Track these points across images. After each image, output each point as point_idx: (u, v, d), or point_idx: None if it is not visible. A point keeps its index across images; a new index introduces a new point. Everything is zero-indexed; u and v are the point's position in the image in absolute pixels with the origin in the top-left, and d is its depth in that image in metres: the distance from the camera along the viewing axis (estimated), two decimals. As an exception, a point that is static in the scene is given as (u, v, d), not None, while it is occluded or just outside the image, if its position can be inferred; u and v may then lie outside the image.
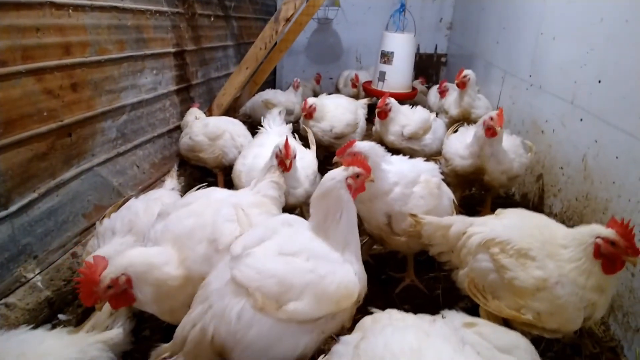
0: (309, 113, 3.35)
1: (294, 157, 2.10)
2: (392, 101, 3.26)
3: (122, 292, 1.36)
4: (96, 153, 2.26)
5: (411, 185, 1.89)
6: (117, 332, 1.46)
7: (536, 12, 3.14)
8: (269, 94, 4.40)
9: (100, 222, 1.89)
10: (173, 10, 3.10)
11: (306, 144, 2.68)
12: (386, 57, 4.76)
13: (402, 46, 4.70)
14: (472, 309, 1.65)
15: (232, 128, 3.09)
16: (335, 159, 1.87)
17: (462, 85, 3.49)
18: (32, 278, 1.81)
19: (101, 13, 2.26)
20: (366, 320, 1.28)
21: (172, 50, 3.09)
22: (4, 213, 1.67)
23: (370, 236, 2.20)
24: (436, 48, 6.39)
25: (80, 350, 1.33)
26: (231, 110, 4.01)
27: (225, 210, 1.54)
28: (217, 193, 1.74)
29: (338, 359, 1.12)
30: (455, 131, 2.88)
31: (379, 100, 3.26)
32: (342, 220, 1.36)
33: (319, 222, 1.38)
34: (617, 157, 2.01)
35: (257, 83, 4.31)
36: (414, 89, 5.02)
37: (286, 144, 2.04)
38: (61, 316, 1.88)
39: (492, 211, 1.85)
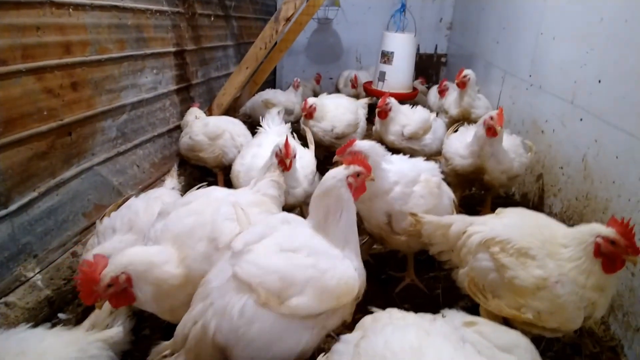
0: (309, 113, 3.35)
1: (294, 157, 2.10)
2: (392, 101, 3.26)
3: (122, 290, 1.36)
4: (96, 152, 2.26)
5: (411, 184, 1.89)
6: (117, 331, 1.46)
7: (536, 12, 3.14)
8: (269, 93, 4.40)
9: (100, 221, 1.89)
10: (173, 9, 3.10)
11: (305, 144, 2.68)
12: (386, 57, 4.76)
13: (402, 46, 4.70)
14: (473, 309, 1.65)
15: (232, 128, 3.09)
16: (335, 158, 1.88)
17: (462, 85, 3.49)
18: (32, 277, 1.81)
19: (101, 12, 2.26)
20: (366, 319, 1.28)
21: (172, 49, 3.09)
22: (4, 212, 1.67)
23: (371, 235, 2.20)
24: (436, 48, 6.40)
25: (80, 348, 1.33)
26: (231, 110, 4.02)
27: (225, 209, 1.54)
28: (216, 192, 1.74)
29: (339, 358, 1.12)
30: (456, 131, 2.88)
31: (379, 100, 3.26)
32: (342, 218, 1.36)
33: (319, 221, 1.38)
34: (617, 157, 2.01)
35: (257, 83, 4.31)
36: (414, 89, 5.02)
37: (286, 143, 2.04)
38: (61, 315, 1.88)
39: (492, 211, 1.85)
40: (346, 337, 1.20)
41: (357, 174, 1.43)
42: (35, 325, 1.39)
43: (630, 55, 1.99)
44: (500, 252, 1.54)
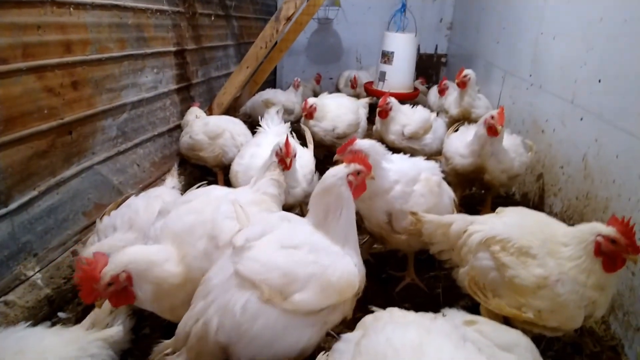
0: (310, 113, 3.35)
1: (294, 156, 2.10)
2: (393, 100, 3.26)
3: (122, 289, 1.35)
4: (96, 151, 2.26)
5: (412, 183, 1.89)
6: (117, 330, 1.46)
7: (536, 11, 3.14)
8: (269, 93, 4.40)
9: (100, 219, 1.89)
10: (174, 9, 3.10)
11: (304, 143, 2.68)
12: (386, 57, 4.76)
13: (402, 46, 4.70)
14: (473, 308, 1.65)
15: (232, 127, 3.09)
16: (336, 157, 1.88)
17: (462, 84, 3.49)
18: (32, 276, 1.81)
19: (102, 11, 2.26)
20: (367, 318, 1.28)
21: (172, 49, 3.09)
22: (4, 210, 1.67)
23: (371, 235, 2.20)
24: (436, 48, 6.40)
25: (80, 347, 1.33)
26: (231, 110, 4.02)
27: (224, 207, 1.54)
28: (216, 190, 1.74)
29: (339, 356, 1.12)
30: (456, 130, 2.89)
31: (380, 100, 3.27)
32: (342, 216, 1.37)
33: (319, 218, 1.39)
34: (617, 156, 2.01)
35: (257, 82, 4.31)
36: (415, 89, 5.02)
37: (286, 142, 2.04)
38: (61, 314, 1.88)
39: (493, 211, 1.85)
40: (347, 336, 1.20)
41: (357, 173, 1.44)
42: (35, 324, 1.39)
43: (630, 54, 1.99)
44: (500, 251, 1.54)
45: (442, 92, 4.19)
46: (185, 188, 2.64)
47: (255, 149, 2.47)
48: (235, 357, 1.23)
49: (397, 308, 1.29)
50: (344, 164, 1.45)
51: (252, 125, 3.17)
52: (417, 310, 1.30)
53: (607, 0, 2.23)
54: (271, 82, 6.02)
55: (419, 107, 3.43)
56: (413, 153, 3.03)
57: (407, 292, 2.12)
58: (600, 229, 1.44)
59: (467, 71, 3.43)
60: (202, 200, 1.62)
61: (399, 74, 4.75)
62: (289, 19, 3.43)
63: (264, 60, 3.89)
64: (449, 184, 2.23)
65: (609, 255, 1.41)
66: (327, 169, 1.49)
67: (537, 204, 2.83)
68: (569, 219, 2.39)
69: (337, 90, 5.68)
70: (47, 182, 1.89)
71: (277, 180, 1.91)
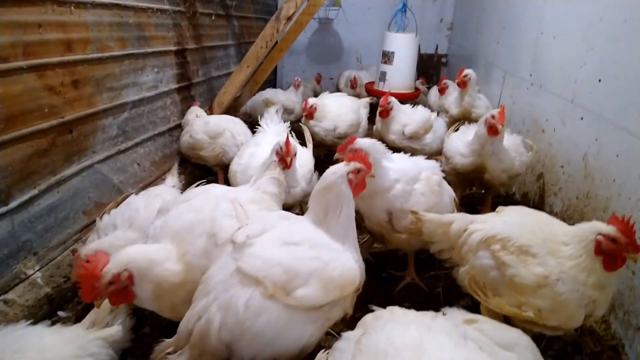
0: (310, 113, 3.35)
1: (295, 155, 2.10)
2: (394, 100, 3.26)
3: (122, 288, 1.35)
4: (97, 150, 2.26)
5: (412, 182, 1.89)
6: (117, 329, 1.45)
7: (536, 11, 3.14)
8: (269, 93, 4.40)
9: (100, 218, 1.89)
10: (174, 8, 3.10)
11: (303, 143, 2.67)
12: (387, 57, 4.76)
13: (403, 46, 4.70)
14: (473, 307, 1.65)
15: (232, 126, 3.09)
16: (336, 155, 1.88)
17: (462, 84, 3.49)
18: (32, 274, 1.81)
19: (103, 10, 2.26)
20: (368, 317, 1.28)
21: (173, 48, 3.09)
22: (4, 209, 1.67)
23: (371, 234, 2.20)
24: (437, 49, 6.40)
25: (80, 346, 1.32)
26: (232, 109, 4.02)
27: (224, 206, 1.54)
28: (216, 189, 1.74)
29: (339, 354, 1.12)
30: (456, 130, 2.89)
31: (381, 99, 3.27)
32: (342, 214, 1.37)
33: (319, 216, 1.39)
34: (617, 155, 2.01)
35: (257, 82, 4.31)
36: (417, 89, 5.02)
37: (287, 141, 2.04)
38: (61, 313, 1.88)
39: (493, 210, 1.84)
40: (347, 335, 1.20)
41: (358, 171, 1.44)
42: (35, 323, 1.38)
43: (630, 54, 1.99)
44: (501, 249, 1.54)
45: (442, 91, 4.19)
46: (185, 187, 2.63)
47: (254, 149, 2.47)
48: (238, 355, 1.23)
49: (398, 307, 1.29)
50: (344, 162, 1.45)
51: (253, 124, 3.17)
52: (417, 309, 1.29)
53: (607, 0, 2.23)
54: (271, 81, 6.02)
55: (420, 107, 3.43)
56: (413, 153, 3.02)
57: (407, 292, 2.12)
58: (600, 227, 1.43)
59: (467, 71, 3.43)
60: (202, 198, 1.62)
61: (400, 74, 4.75)
62: (289, 18, 3.43)
63: (264, 59, 3.89)
64: (450, 183, 2.23)
65: (609, 254, 1.40)
66: (328, 168, 1.49)
67: (538, 204, 2.83)
68: (570, 218, 2.39)
69: (338, 90, 5.67)
70: (47, 180, 1.89)
71: (278, 179, 1.90)
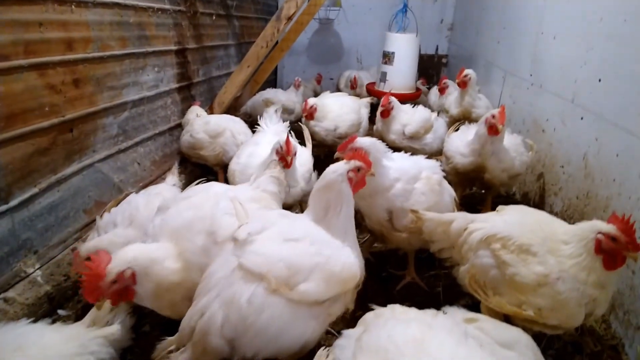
0: (310, 114, 3.35)
1: (295, 154, 2.11)
2: (394, 100, 3.27)
3: (124, 287, 1.36)
4: (97, 149, 2.26)
5: (412, 181, 1.89)
6: (117, 328, 1.45)
7: (536, 11, 3.15)
8: (269, 93, 4.41)
9: (100, 216, 1.89)
10: (175, 8, 3.10)
11: (303, 143, 2.67)
12: (387, 57, 4.77)
13: (403, 46, 4.70)
14: (473, 307, 1.64)
15: (233, 126, 3.09)
16: (337, 154, 1.88)
17: (463, 84, 3.49)
18: (32, 273, 1.81)
19: (104, 9, 2.26)
20: (368, 315, 1.29)
21: (173, 48, 3.10)
22: (4, 207, 1.67)
23: (371, 233, 2.20)
24: (437, 49, 6.41)
25: (80, 344, 1.32)
26: (232, 109, 4.02)
27: (223, 204, 1.55)
28: (216, 187, 1.75)
29: (340, 352, 1.12)
30: (457, 130, 2.89)
31: (382, 99, 3.27)
32: (342, 212, 1.38)
33: (319, 214, 1.40)
34: (617, 155, 2.02)
35: (258, 82, 4.32)
36: (418, 89, 5.02)
37: (287, 140, 2.04)
38: (61, 312, 1.88)
39: (493, 210, 1.84)
40: (348, 332, 1.21)
41: (358, 169, 1.44)
42: (35, 322, 1.38)
43: (630, 54, 1.99)
44: (501, 248, 1.54)
45: (442, 90, 4.20)
46: (185, 186, 2.63)
47: (253, 148, 2.47)
48: (240, 352, 1.23)
49: (399, 305, 1.29)
50: (344, 161, 1.46)
51: (253, 124, 3.17)
52: (417, 308, 1.29)
53: (607, 0, 2.23)
54: (272, 81, 6.03)
55: (420, 107, 3.43)
56: (414, 152, 3.02)
57: (408, 291, 2.12)
58: (600, 226, 1.43)
59: (467, 71, 3.43)
60: (201, 196, 1.62)
61: (401, 75, 4.75)
62: (289, 18, 3.44)
63: (264, 59, 3.90)
64: (450, 183, 2.23)
65: (610, 253, 1.40)
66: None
67: (538, 204, 2.83)
68: (570, 218, 2.39)
69: (338, 90, 5.68)
70: (47, 179, 1.89)
71: (277, 178, 1.91)
